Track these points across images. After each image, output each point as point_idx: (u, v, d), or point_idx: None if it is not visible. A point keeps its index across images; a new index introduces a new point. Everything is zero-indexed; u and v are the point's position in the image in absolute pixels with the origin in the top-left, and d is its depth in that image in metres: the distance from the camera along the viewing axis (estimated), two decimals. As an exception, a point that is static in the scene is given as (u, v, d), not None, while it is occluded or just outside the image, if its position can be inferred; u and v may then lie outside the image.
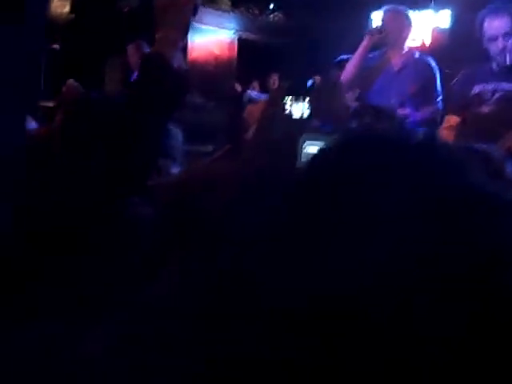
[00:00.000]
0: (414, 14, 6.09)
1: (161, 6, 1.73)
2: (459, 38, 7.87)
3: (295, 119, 1.77)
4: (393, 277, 0.55)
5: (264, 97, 8.99)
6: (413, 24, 4.97)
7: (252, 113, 2.81)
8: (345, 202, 0.60)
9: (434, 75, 4.76)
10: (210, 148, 7.42)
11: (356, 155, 0.65)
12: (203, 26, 9.18)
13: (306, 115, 1.77)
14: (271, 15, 9.98)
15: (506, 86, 3.57)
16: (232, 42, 9.49)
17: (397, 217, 0.57)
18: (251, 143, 1.88)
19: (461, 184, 0.61)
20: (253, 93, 9.11)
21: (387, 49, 4.81)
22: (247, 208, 0.74)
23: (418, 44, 7.51)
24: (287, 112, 1.78)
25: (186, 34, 1.76)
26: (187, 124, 7.39)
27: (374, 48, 4.93)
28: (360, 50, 4.76)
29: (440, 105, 4.74)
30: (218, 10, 9.48)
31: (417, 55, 4.89)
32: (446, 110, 4.11)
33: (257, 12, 9.95)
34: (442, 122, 3.95)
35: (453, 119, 3.81)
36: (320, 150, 0.69)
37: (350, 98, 5.04)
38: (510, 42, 3.51)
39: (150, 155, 1.72)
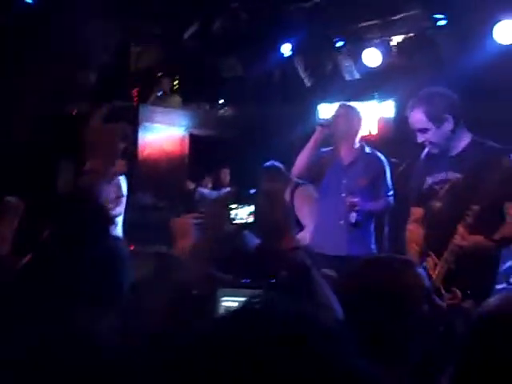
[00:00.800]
0: (359, 105, 6.26)
1: (89, 139, 1.92)
2: (404, 127, 8.09)
3: (238, 224, 1.79)
4: None
5: (215, 194, 9.04)
6: (363, 119, 5.05)
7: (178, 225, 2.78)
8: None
9: (384, 170, 4.82)
10: (163, 248, 7.38)
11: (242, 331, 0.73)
12: (155, 125, 9.28)
13: (250, 220, 1.79)
14: (221, 110, 10.15)
15: (451, 175, 3.52)
16: (183, 139, 9.58)
17: None
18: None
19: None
20: (204, 190, 9.14)
21: (337, 143, 4.86)
22: None
23: (364, 133, 7.67)
24: (231, 217, 1.80)
25: (115, 162, 1.91)
26: (138, 225, 7.33)
27: (325, 143, 4.99)
28: (311, 142, 4.81)
29: (391, 199, 4.78)
30: (168, 107, 9.61)
31: (367, 150, 4.95)
32: (410, 202, 3.92)
33: (207, 107, 10.12)
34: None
35: (417, 211, 3.69)
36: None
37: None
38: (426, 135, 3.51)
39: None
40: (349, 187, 4.74)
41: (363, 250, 4.65)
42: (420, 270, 1.75)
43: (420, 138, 3.58)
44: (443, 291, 3.08)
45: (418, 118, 3.55)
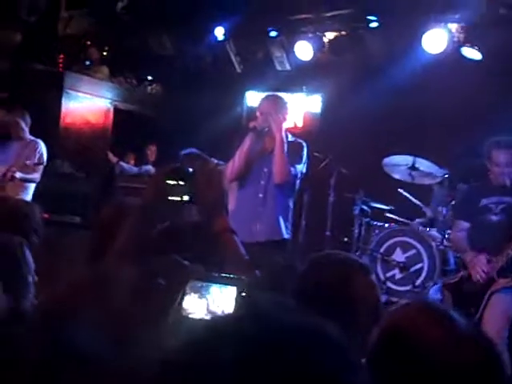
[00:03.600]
0: (286, 96, 6.32)
1: None
2: (328, 123, 8.27)
3: (175, 201, 1.78)
4: None
5: (136, 170, 8.94)
6: (289, 109, 5.09)
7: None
8: None
9: (303, 148, 4.91)
10: (77, 219, 7.26)
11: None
12: (79, 94, 9.08)
13: (185, 199, 1.78)
14: (149, 87, 10.02)
15: (506, 199, 4.59)
16: (108, 111, 9.42)
17: None
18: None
19: None
20: (125, 165, 9.02)
21: (266, 135, 4.88)
22: None
23: (290, 125, 7.78)
24: (168, 194, 1.78)
25: None
26: (54, 194, 7.19)
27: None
28: (244, 149, 4.81)
29: (298, 173, 4.82)
30: (95, 78, 9.41)
31: (289, 138, 5.00)
32: (454, 215, 5.16)
33: (134, 82, 9.96)
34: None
35: (465, 225, 4.74)
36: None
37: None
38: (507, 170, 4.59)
39: None
40: (269, 175, 4.80)
41: (276, 237, 4.76)
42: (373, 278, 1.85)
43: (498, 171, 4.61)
44: (496, 278, 4.44)
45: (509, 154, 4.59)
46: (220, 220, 1.76)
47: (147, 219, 1.79)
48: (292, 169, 4.79)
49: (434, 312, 1.33)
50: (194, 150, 5.68)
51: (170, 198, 1.76)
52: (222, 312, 1.32)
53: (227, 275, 1.41)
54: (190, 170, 1.79)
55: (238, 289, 1.34)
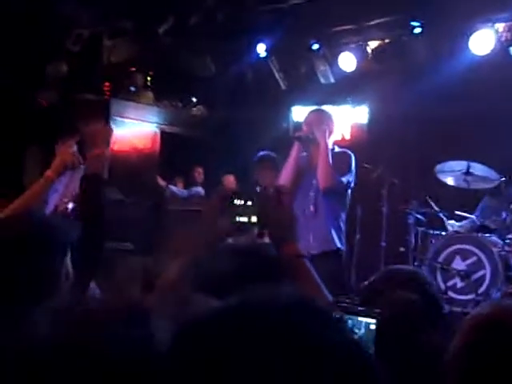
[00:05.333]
0: (332, 109, 6.25)
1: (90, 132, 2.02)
2: (376, 133, 8.14)
3: (242, 222, 1.70)
4: None
5: (186, 193, 8.94)
6: (335, 122, 5.03)
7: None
8: None
9: (350, 157, 4.83)
10: (128, 246, 7.28)
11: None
12: (126, 120, 9.16)
13: (253, 220, 1.69)
14: (194, 108, 10.07)
15: None
16: (155, 135, 9.49)
17: None
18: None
19: None
20: (174, 188, 9.05)
21: (311, 148, 4.84)
22: None
23: (337, 138, 7.68)
24: (234, 214, 1.70)
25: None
26: (107, 221, 7.22)
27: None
28: (291, 159, 4.79)
29: (341, 181, 4.71)
30: (140, 103, 9.50)
31: (336, 149, 4.95)
32: None
33: (180, 105, 10.03)
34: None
35: None
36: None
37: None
38: None
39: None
40: (317, 186, 4.75)
41: (330, 248, 4.67)
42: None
43: None
44: None
45: None
46: (291, 246, 1.67)
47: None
48: (341, 178, 4.72)
49: None
50: (266, 152, 5.73)
51: (237, 218, 1.68)
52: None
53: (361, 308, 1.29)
54: (256, 189, 1.74)
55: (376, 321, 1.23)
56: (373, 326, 1.19)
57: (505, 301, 1.40)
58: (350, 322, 1.20)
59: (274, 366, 0.66)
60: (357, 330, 1.19)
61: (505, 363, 1.18)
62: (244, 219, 1.68)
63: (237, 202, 1.68)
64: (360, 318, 1.21)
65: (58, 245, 1.89)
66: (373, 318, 1.20)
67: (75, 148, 6.60)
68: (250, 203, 1.67)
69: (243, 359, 0.67)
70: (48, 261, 1.86)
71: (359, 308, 1.24)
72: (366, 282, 1.92)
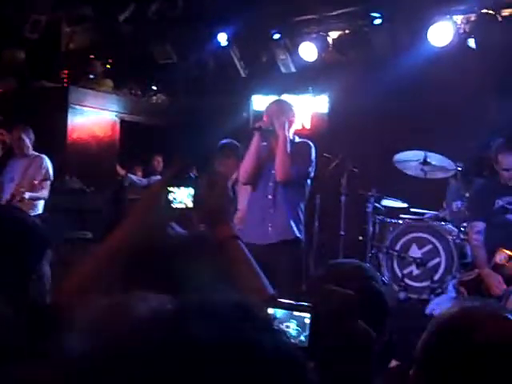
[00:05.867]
0: (293, 98, 6.26)
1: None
2: (336, 123, 8.19)
3: (179, 209, 1.68)
4: None
5: (146, 182, 8.89)
6: (296, 112, 5.03)
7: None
8: None
9: (310, 148, 4.83)
10: (88, 234, 7.21)
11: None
12: (85, 108, 9.05)
13: (189, 206, 1.68)
14: (154, 97, 9.99)
15: None
16: (114, 124, 9.39)
17: None
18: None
19: None
20: (134, 177, 8.97)
21: (272, 138, 4.83)
22: None
23: (298, 127, 7.71)
24: (170, 200, 1.68)
25: None
26: (65, 210, 7.15)
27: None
28: (252, 150, 4.78)
29: (295, 171, 4.71)
30: (99, 91, 9.39)
31: (297, 139, 4.95)
32: (470, 216, 5.07)
33: (139, 93, 9.94)
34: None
35: (480, 224, 4.71)
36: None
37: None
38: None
39: None
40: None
41: (288, 236, 4.69)
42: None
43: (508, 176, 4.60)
44: None
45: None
46: (224, 227, 1.65)
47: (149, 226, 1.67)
48: (299, 170, 4.73)
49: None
50: (228, 140, 5.71)
51: (173, 205, 1.67)
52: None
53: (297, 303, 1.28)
54: (192, 175, 1.71)
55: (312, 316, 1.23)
56: (307, 320, 1.20)
57: (477, 303, 1.39)
58: (284, 316, 1.21)
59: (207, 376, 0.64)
60: (291, 325, 1.20)
61: (459, 370, 1.19)
62: (181, 205, 1.67)
63: (173, 188, 1.67)
64: (295, 313, 1.22)
65: (34, 245, 1.86)
66: (307, 312, 1.21)
67: (24, 135, 6.49)
68: (186, 189, 1.67)
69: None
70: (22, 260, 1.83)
71: (294, 303, 1.24)
72: (313, 275, 1.94)
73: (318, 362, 1.07)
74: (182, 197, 1.67)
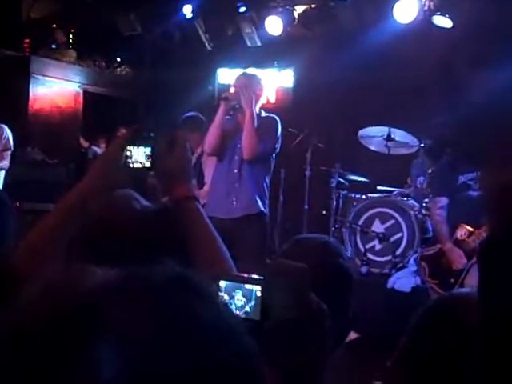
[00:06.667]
0: (258, 72, 6.23)
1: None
2: (301, 97, 8.20)
3: (136, 168, 1.65)
4: None
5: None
6: (264, 86, 5.02)
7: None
8: None
9: (276, 123, 4.84)
10: (50, 207, 7.11)
11: None
12: (47, 78, 8.90)
13: (147, 165, 1.65)
14: (118, 69, 9.85)
15: None
16: (77, 95, 9.25)
17: None
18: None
19: None
20: (98, 149, 8.88)
21: (240, 111, 4.82)
22: None
23: (263, 102, 7.69)
24: (126, 159, 1.64)
25: None
26: (25, 181, 7.06)
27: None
28: (218, 119, 4.76)
29: (272, 147, 4.73)
30: (62, 61, 9.23)
31: (263, 114, 4.95)
32: (433, 191, 5.17)
33: (103, 65, 9.80)
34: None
35: (443, 200, 4.77)
36: None
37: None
38: None
39: None
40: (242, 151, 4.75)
41: (253, 211, 4.71)
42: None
43: None
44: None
45: None
46: (182, 187, 1.60)
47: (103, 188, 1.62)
48: (265, 143, 4.74)
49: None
50: (192, 113, 5.67)
51: (131, 164, 1.65)
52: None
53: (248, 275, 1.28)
54: (151, 134, 1.67)
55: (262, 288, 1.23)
56: (258, 293, 1.22)
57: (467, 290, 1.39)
58: (232, 288, 1.22)
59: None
60: (237, 296, 1.21)
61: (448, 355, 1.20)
62: (137, 164, 1.65)
63: (130, 147, 1.64)
64: (247, 286, 1.23)
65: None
66: (258, 284, 1.23)
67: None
68: (144, 148, 1.65)
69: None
70: None
71: (246, 275, 1.25)
72: (278, 250, 1.94)
73: (269, 336, 1.09)
74: (138, 156, 1.64)
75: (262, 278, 1.23)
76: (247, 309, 1.20)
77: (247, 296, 1.20)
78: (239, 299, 1.20)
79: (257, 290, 1.20)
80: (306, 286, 1.34)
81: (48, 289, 0.66)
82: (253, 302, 1.20)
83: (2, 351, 0.61)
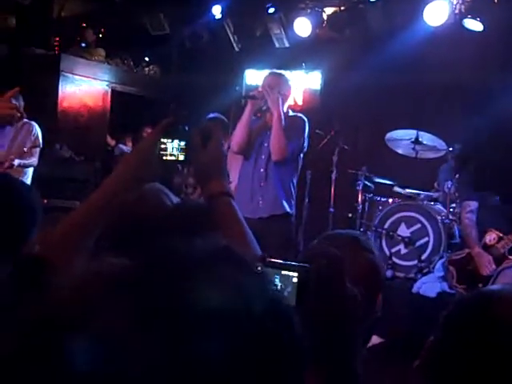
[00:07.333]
0: (286, 74, 6.22)
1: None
2: (328, 99, 8.16)
3: (169, 161, 1.64)
4: None
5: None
6: (291, 86, 5.02)
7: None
8: None
9: (304, 122, 4.83)
10: (76, 204, 7.17)
11: None
12: (76, 76, 8.97)
13: (181, 158, 1.64)
14: (146, 68, 9.91)
15: None
16: (105, 94, 9.32)
17: None
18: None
19: None
20: (124, 147, 8.93)
21: (267, 111, 4.82)
22: None
23: (290, 103, 7.68)
24: (160, 151, 1.64)
25: None
26: (53, 178, 7.10)
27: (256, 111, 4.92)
28: (245, 118, 4.76)
29: (291, 148, 4.71)
30: (91, 60, 9.30)
31: (290, 113, 4.95)
32: (463, 195, 5.25)
33: (132, 64, 9.86)
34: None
35: (473, 204, 4.79)
36: None
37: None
38: None
39: None
40: (270, 150, 4.74)
41: (278, 211, 4.69)
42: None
43: None
44: (507, 255, 4.45)
45: None
46: (216, 182, 1.58)
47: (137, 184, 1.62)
48: (293, 144, 4.72)
49: None
50: (215, 114, 5.66)
51: (164, 157, 1.64)
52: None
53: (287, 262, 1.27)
54: (186, 128, 1.66)
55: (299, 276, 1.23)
56: (295, 280, 1.21)
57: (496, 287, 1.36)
58: (274, 275, 1.21)
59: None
60: (280, 283, 1.21)
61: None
62: (171, 158, 1.64)
63: (165, 140, 1.64)
64: (283, 272, 1.22)
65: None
66: (295, 271, 1.22)
67: (14, 101, 6.43)
68: (178, 142, 1.64)
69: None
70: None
71: (283, 262, 1.24)
72: (308, 245, 1.92)
73: (303, 322, 1.08)
74: (173, 149, 1.63)
75: (299, 264, 1.22)
76: (285, 294, 1.20)
77: (285, 282, 1.20)
78: (277, 285, 1.20)
79: (293, 276, 1.19)
80: (341, 272, 1.32)
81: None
82: (290, 288, 1.19)
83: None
